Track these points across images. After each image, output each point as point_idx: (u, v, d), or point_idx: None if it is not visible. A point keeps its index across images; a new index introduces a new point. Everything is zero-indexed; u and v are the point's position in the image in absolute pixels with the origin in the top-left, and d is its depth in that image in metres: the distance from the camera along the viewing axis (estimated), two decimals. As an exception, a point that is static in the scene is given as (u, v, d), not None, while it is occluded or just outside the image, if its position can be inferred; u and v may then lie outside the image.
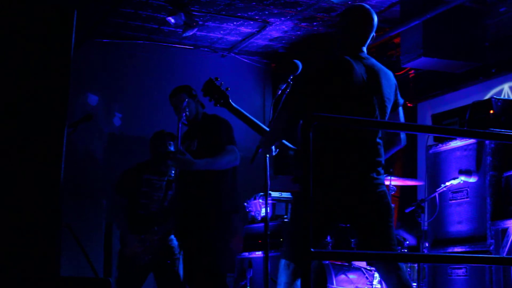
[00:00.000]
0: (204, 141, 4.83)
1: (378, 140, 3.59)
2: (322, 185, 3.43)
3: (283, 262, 3.54)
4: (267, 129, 4.01)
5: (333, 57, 3.64)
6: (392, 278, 3.44)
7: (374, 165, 3.53)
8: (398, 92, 3.74)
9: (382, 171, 3.57)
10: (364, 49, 3.70)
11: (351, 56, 3.59)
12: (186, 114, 4.79)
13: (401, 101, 3.75)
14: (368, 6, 3.74)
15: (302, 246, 2.24)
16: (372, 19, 3.68)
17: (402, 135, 3.76)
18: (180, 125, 4.72)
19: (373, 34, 3.71)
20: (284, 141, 3.88)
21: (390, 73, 3.73)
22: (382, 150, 3.60)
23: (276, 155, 3.90)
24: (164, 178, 5.62)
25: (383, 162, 3.59)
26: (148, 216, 5.53)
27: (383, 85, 3.62)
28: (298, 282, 3.49)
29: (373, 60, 3.69)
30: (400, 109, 3.77)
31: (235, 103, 4.39)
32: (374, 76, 3.60)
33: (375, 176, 3.52)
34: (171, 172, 5.62)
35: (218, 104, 4.43)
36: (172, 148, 5.63)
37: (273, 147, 3.83)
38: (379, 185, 3.52)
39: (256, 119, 4.28)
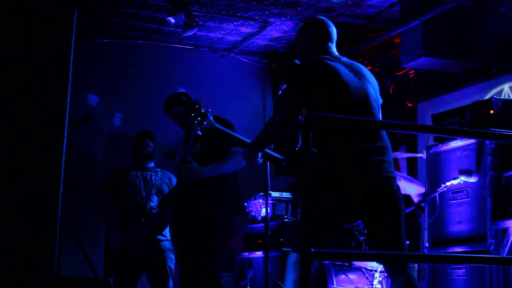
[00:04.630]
0: (207, 143, 4.81)
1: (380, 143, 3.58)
2: (333, 180, 3.43)
3: (294, 257, 3.52)
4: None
5: (312, 60, 3.66)
6: (401, 277, 3.42)
7: (386, 158, 3.51)
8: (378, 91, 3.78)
9: (392, 164, 3.55)
10: (335, 50, 3.75)
11: (327, 59, 3.63)
12: (196, 132, 4.69)
13: (381, 100, 3.77)
14: (323, 18, 3.86)
15: (304, 245, 2.24)
16: (329, 25, 3.79)
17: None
18: (192, 135, 4.67)
19: (335, 38, 3.80)
20: (269, 151, 3.89)
21: (369, 71, 3.77)
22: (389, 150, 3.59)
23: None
24: (148, 173, 5.69)
25: (391, 158, 3.58)
26: (136, 207, 5.56)
27: (370, 81, 3.66)
28: None
29: (348, 59, 3.73)
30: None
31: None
32: (358, 73, 3.64)
33: (388, 168, 3.50)
34: (154, 172, 5.70)
35: (201, 126, 4.42)
36: (151, 146, 5.71)
37: (259, 157, 3.84)
38: (391, 178, 3.50)
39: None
